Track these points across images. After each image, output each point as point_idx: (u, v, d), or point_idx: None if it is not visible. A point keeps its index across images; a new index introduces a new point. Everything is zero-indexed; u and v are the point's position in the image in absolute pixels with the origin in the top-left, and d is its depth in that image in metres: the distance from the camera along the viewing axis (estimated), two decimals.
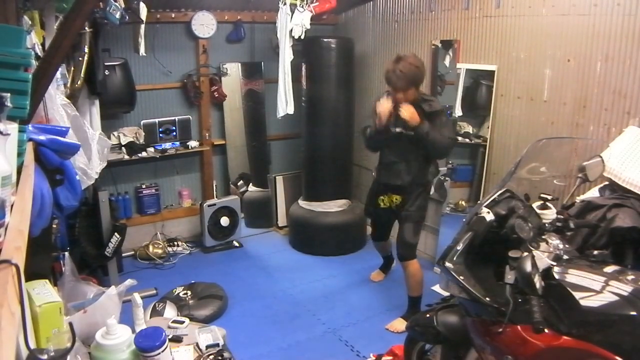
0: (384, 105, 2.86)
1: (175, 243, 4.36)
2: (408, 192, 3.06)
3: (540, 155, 2.04)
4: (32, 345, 0.90)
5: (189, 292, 3.36)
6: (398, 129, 2.92)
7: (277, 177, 4.80)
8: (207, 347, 1.64)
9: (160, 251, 4.19)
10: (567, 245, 1.75)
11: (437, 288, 3.34)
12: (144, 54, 3.82)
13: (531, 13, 3.08)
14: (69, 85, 2.57)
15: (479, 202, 2.05)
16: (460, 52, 3.63)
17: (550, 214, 1.82)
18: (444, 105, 2.98)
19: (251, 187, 4.75)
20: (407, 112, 2.82)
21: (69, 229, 3.00)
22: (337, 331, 3.15)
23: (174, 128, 4.26)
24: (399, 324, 3.05)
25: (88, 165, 2.09)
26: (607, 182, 2.38)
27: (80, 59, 2.71)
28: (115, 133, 4.01)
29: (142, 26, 3.65)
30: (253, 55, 4.61)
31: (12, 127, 0.86)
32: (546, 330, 1.46)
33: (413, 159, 2.99)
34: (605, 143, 2.53)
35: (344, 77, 4.14)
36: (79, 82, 2.72)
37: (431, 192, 3.28)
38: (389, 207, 3.17)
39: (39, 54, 1.80)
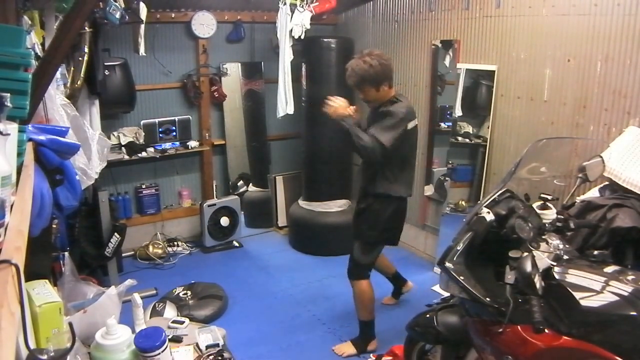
0: (332, 102, 2.68)
1: (175, 243, 4.36)
2: (363, 200, 2.82)
3: (540, 155, 2.04)
4: (32, 345, 0.90)
5: (189, 292, 3.36)
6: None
7: (277, 177, 4.80)
8: (207, 347, 1.64)
9: (160, 251, 4.19)
10: (567, 245, 1.75)
11: (437, 288, 3.34)
12: (144, 54, 3.82)
13: (531, 13, 3.08)
14: (68, 85, 2.57)
15: (479, 202, 2.05)
16: (460, 52, 3.63)
17: (550, 214, 1.82)
18: (403, 111, 2.54)
19: (251, 187, 4.75)
20: (332, 104, 2.64)
21: (69, 229, 2.99)
22: (337, 331, 3.14)
23: (174, 128, 4.26)
24: (346, 348, 2.90)
25: (88, 165, 2.09)
26: (607, 182, 2.38)
27: (80, 59, 2.71)
28: (115, 133, 4.01)
29: (142, 26, 3.64)
30: (253, 55, 4.61)
31: (12, 127, 0.86)
32: (546, 331, 1.46)
33: (364, 164, 2.76)
34: (605, 143, 2.53)
35: (344, 77, 4.12)
36: (78, 82, 2.72)
37: (386, 212, 2.75)
38: (355, 217, 2.95)
39: (39, 54, 1.80)
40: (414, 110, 2.73)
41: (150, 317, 2.85)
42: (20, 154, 1.01)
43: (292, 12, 3.84)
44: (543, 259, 1.61)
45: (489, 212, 1.71)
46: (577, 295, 1.47)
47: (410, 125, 2.62)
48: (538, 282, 1.44)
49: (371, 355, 2.84)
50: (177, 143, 4.27)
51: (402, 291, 3.45)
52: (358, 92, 2.69)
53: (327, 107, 2.68)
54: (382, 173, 2.69)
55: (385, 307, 3.39)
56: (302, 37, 3.89)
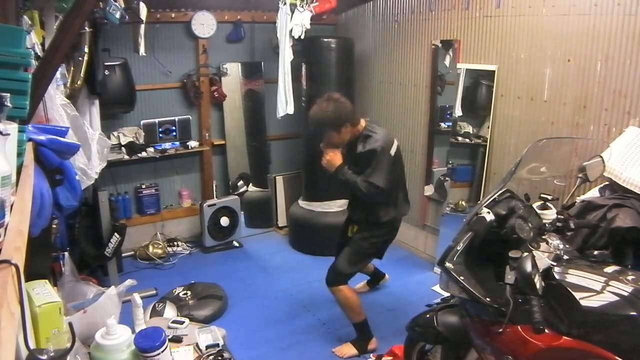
0: (326, 156, 2.78)
1: (175, 243, 4.35)
2: (362, 224, 2.89)
3: (540, 155, 2.04)
4: (32, 346, 0.90)
5: (189, 292, 3.36)
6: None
7: (277, 177, 4.80)
8: (207, 347, 1.64)
9: (160, 251, 4.19)
10: (567, 246, 1.75)
11: (437, 288, 3.34)
12: (144, 54, 3.82)
13: (531, 13, 3.08)
14: (68, 85, 2.57)
15: (479, 202, 2.06)
16: (460, 52, 3.63)
17: (550, 214, 1.82)
18: (381, 145, 2.58)
19: (251, 187, 4.74)
20: (326, 158, 2.75)
21: (69, 229, 3.00)
22: (337, 331, 3.14)
23: (173, 128, 4.26)
24: (347, 349, 2.91)
25: (88, 165, 2.09)
26: (607, 182, 2.38)
27: (80, 59, 2.71)
28: (115, 133, 4.01)
29: (142, 26, 3.64)
30: (253, 55, 4.61)
31: (12, 127, 0.86)
32: (546, 331, 1.46)
33: (361, 201, 2.80)
34: (605, 143, 2.53)
35: (344, 77, 4.14)
36: (78, 82, 2.72)
37: (378, 235, 2.84)
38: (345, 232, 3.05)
39: (39, 54, 1.80)
40: (391, 135, 2.76)
41: (150, 317, 2.85)
42: (20, 154, 1.01)
43: (292, 12, 3.84)
44: (543, 259, 1.61)
45: (489, 212, 1.71)
46: (577, 295, 1.47)
47: (393, 150, 2.68)
48: (538, 282, 1.44)
49: (371, 355, 2.84)
50: (177, 143, 4.27)
51: (378, 284, 3.60)
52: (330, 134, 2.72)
53: (323, 162, 2.78)
54: (377, 206, 2.75)
55: (385, 307, 3.38)
56: (302, 37, 3.89)
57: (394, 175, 2.70)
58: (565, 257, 1.68)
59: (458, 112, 3.78)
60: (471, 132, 3.82)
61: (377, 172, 2.58)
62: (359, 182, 2.61)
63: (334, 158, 2.73)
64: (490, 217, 1.70)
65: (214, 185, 4.62)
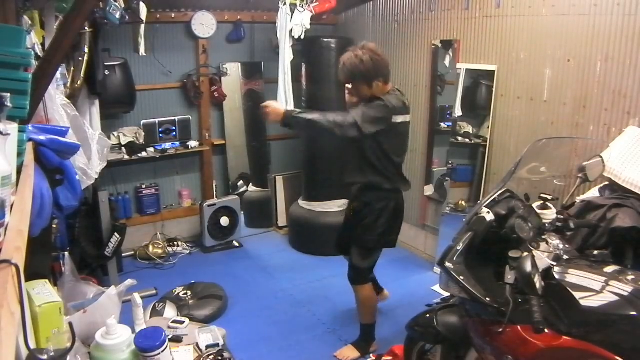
0: (267, 106, 2.64)
1: (175, 243, 4.36)
2: (356, 199, 2.74)
3: (540, 155, 2.04)
4: (32, 345, 0.90)
5: (189, 292, 3.36)
6: None
7: (277, 177, 4.80)
8: (207, 347, 1.64)
9: (160, 251, 4.19)
10: (567, 245, 1.75)
11: (437, 288, 3.34)
12: (144, 54, 3.82)
13: (531, 13, 3.08)
14: (69, 85, 2.57)
15: (479, 202, 2.05)
16: (460, 52, 3.63)
17: (550, 214, 1.82)
18: (392, 102, 2.41)
19: (251, 187, 4.75)
20: (267, 108, 2.56)
21: (69, 229, 3.00)
22: (337, 331, 3.14)
23: (174, 128, 4.26)
24: (349, 352, 2.86)
25: (88, 165, 2.09)
26: (607, 182, 2.38)
27: (80, 59, 2.71)
28: (115, 133, 4.01)
29: (142, 26, 3.65)
30: (253, 55, 4.61)
31: (12, 127, 0.86)
32: (546, 331, 1.46)
33: (349, 160, 2.65)
34: (605, 143, 2.53)
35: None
36: (79, 82, 2.72)
37: (383, 212, 2.64)
38: (350, 217, 2.84)
39: (39, 54, 1.80)
40: (406, 106, 2.61)
41: (150, 317, 2.85)
42: (20, 154, 1.01)
43: (292, 12, 3.84)
44: (543, 259, 1.61)
45: (489, 212, 1.71)
46: (577, 295, 1.47)
47: (398, 119, 2.50)
48: (538, 282, 1.44)
49: (371, 355, 2.84)
50: (177, 143, 4.27)
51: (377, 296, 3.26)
52: (351, 90, 2.58)
53: (265, 113, 2.60)
54: (369, 163, 2.56)
55: (385, 307, 3.38)
56: (302, 37, 3.89)
57: (389, 142, 2.52)
58: (565, 257, 1.68)
59: (458, 112, 3.78)
60: (471, 132, 3.82)
61: (366, 111, 2.39)
62: (320, 113, 2.41)
63: (275, 105, 2.57)
64: (490, 217, 1.70)
65: (214, 185, 4.62)
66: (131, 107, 3.96)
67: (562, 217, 1.83)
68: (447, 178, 3.90)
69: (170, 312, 3.07)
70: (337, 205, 4.22)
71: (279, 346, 3.00)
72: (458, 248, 1.68)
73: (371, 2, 4.40)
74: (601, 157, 2.10)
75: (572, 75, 2.90)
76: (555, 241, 1.72)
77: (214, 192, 4.61)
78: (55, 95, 1.89)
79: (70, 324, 1.14)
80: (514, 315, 1.51)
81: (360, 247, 2.74)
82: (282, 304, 3.49)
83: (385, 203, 2.65)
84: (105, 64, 3.40)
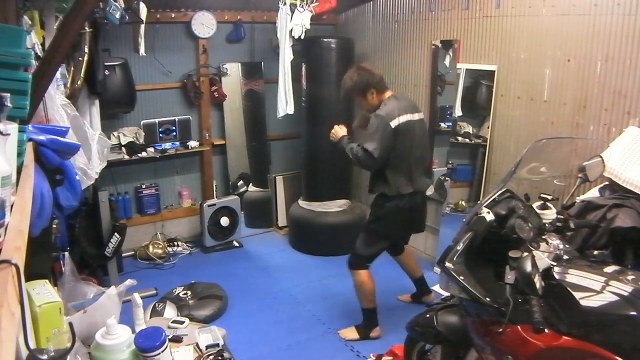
0: (334, 130, 3.00)
1: (175, 243, 4.36)
2: (373, 202, 3.01)
3: (540, 155, 2.04)
4: (32, 346, 0.90)
5: (189, 292, 3.36)
6: None
7: (277, 177, 4.80)
8: (207, 347, 1.64)
9: (160, 251, 4.19)
10: (567, 245, 1.75)
11: (437, 288, 3.34)
12: (144, 54, 3.82)
13: (531, 13, 3.08)
14: (69, 85, 2.57)
15: (479, 202, 2.05)
16: (460, 52, 3.63)
17: (550, 214, 1.82)
18: (382, 115, 2.69)
19: (251, 187, 4.75)
20: (332, 132, 2.97)
21: (69, 229, 3.00)
22: (337, 331, 3.14)
23: (174, 128, 4.26)
24: (350, 332, 3.05)
25: (88, 165, 2.09)
26: (607, 182, 2.38)
27: (80, 59, 2.72)
28: (115, 133, 4.01)
29: (142, 26, 3.65)
30: (253, 55, 4.61)
31: (12, 127, 0.86)
32: (546, 331, 1.46)
33: (374, 175, 2.95)
34: (605, 143, 2.53)
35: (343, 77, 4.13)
36: (79, 82, 2.72)
37: (391, 210, 2.86)
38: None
39: (39, 54, 1.80)
40: (403, 107, 2.77)
41: (150, 317, 2.85)
42: (20, 154, 1.01)
43: (292, 12, 3.84)
44: (543, 259, 1.61)
45: (489, 212, 1.70)
46: (577, 295, 1.47)
47: (396, 122, 2.71)
48: (538, 282, 1.44)
49: (371, 355, 2.84)
50: (177, 143, 4.27)
51: (422, 299, 3.40)
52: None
53: (331, 135, 2.99)
54: (381, 174, 2.84)
55: (385, 307, 3.38)
56: (302, 37, 3.89)
57: (397, 146, 2.73)
58: (565, 257, 1.68)
59: (458, 112, 3.78)
60: (471, 132, 3.82)
61: (370, 138, 2.71)
62: (353, 147, 2.79)
63: (337, 130, 2.95)
64: (490, 217, 1.69)
65: (214, 185, 4.63)
66: (131, 107, 3.96)
67: (562, 217, 1.83)
68: (447, 178, 3.90)
69: (170, 312, 3.07)
70: (337, 205, 4.22)
71: (279, 346, 3.00)
72: (458, 248, 1.68)
73: (371, 2, 4.40)
74: (601, 157, 2.10)
75: (572, 75, 2.90)
76: (555, 241, 1.72)
77: (214, 192, 4.61)
78: (55, 95, 1.89)
79: (70, 324, 1.14)
80: (514, 315, 1.51)
81: (364, 232, 2.99)
82: (282, 304, 3.49)
83: (391, 204, 2.86)
84: (105, 64, 3.40)
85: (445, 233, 3.75)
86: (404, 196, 2.83)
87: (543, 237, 1.72)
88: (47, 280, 1.31)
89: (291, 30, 3.86)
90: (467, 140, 3.83)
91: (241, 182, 4.64)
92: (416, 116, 2.83)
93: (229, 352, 1.64)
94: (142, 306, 1.66)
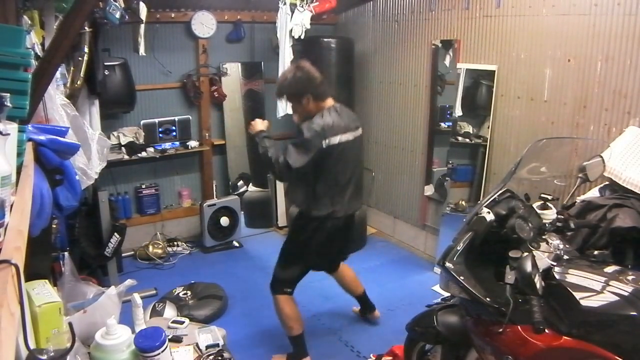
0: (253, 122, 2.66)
1: (175, 243, 4.36)
2: (293, 220, 2.73)
3: (540, 155, 2.04)
4: (32, 346, 0.90)
5: (189, 292, 3.36)
6: None
7: None
8: (207, 347, 1.64)
9: (160, 251, 4.19)
10: (567, 245, 1.75)
11: (437, 288, 3.34)
12: (144, 54, 3.82)
13: (531, 13, 3.08)
14: (68, 85, 2.57)
15: (479, 202, 2.05)
16: (460, 52, 3.63)
17: (550, 214, 1.82)
18: (316, 129, 2.38)
19: (251, 187, 4.75)
20: (252, 122, 2.63)
21: (69, 229, 3.00)
22: (337, 331, 3.14)
23: (173, 128, 4.26)
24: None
25: (88, 165, 2.09)
26: (607, 182, 2.38)
27: (80, 59, 2.71)
28: (115, 133, 4.01)
29: (142, 26, 3.65)
30: (253, 55, 4.61)
31: (12, 127, 0.86)
32: (546, 331, 1.46)
33: (292, 182, 2.68)
34: (605, 143, 2.53)
35: (344, 77, 4.14)
36: (78, 82, 2.72)
37: (315, 231, 2.58)
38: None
39: (39, 54, 1.80)
40: (343, 125, 2.49)
41: (150, 317, 2.85)
42: (20, 154, 1.01)
43: (292, 12, 3.84)
44: (543, 259, 1.61)
45: (489, 212, 1.70)
46: (577, 295, 1.47)
47: (331, 142, 2.41)
48: (538, 282, 1.44)
49: (371, 355, 2.84)
50: (177, 143, 4.27)
51: (366, 315, 3.24)
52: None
53: (249, 128, 2.65)
54: (304, 190, 2.56)
55: (385, 307, 3.38)
56: (302, 37, 3.89)
57: (326, 168, 2.46)
58: (565, 257, 1.68)
59: (458, 112, 3.78)
60: (471, 132, 3.82)
61: (295, 150, 2.38)
62: (270, 148, 2.44)
63: (257, 124, 2.59)
64: (490, 217, 1.69)
65: (214, 185, 4.62)
66: (131, 107, 3.96)
67: (562, 217, 1.83)
68: (447, 178, 3.90)
69: (170, 312, 3.07)
70: None
71: (279, 346, 2.99)
72: (458, 248, 1.68)
73: (371, 2, 4.40)
74: (601, 157, 2.10)
75: (572, 75, 2.90)
76: (555, 241, 1.72)
77: (214, 192, 4.61)
78: (55, 95, 1.89)
79: (70, 324, 1.14)
80: (514, 315, 1.51)
81: (282, 254, 2.75)
82: None
83: (310, 227, 2.60)
84: (105, 64, 3.40)
85: (445, 233, 3.75)
86: (327, 219, 2.55)
87: (543, 237, 1.72)
88: (46, 280, 1.31)
89: (291, 30, 3.86)
90: (467, 140, 3.83)
91: (241, 182, 4.64)
92: (355, 134, 2.55)
93: (229, 352, 1.64)
94: (142, 306, 1.66)
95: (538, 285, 1.44)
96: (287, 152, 2.41)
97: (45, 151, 1.28)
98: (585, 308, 1.47)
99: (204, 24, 4.16)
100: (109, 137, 3.74)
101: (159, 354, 1.36)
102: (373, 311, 3.23)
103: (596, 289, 1.52)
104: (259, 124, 2.60)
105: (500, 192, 1.84)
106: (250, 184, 4.75)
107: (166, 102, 4.27)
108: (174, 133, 4.26)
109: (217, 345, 1.65)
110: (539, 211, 1.82)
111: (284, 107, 4.07)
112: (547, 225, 1.77)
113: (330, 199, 2.54)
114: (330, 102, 2.54)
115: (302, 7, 3.82)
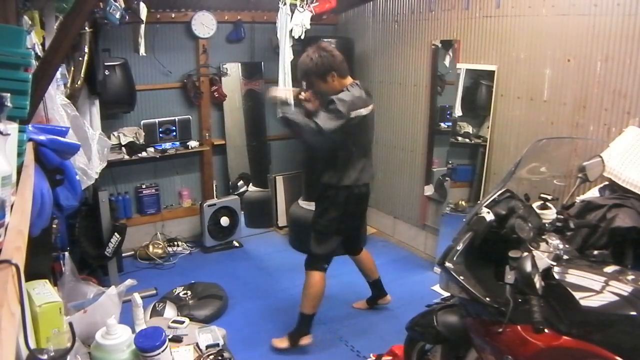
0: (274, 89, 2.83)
1: (175, 243, 4.36)
2: (319, 195, 2.88)
3: (540, 155, 2.04)
4: (32, 345, 0.90)
5: (189, 292, 3.36)
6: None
7: (277, 177, 4.80)
8: (207, 347, 1.64)
9: (160, 251, 4.19)
10: (567, 245, 1.75)
11: (437, 288, 3.34)
12: (144, 54, 3.82)
13: (531, 13, 3.08)
14: (69, 85, 2.57)
15: (478, 202, 2.05)
16: (460, 52, 3.63)
17: (550, 214, 1.82)
18: (347, 100, 2.53)
19: (251, 187, 4.75)
20: (272, 92, 2.76)
21: (69, 229, 3.00)
22: (337, 331, 3.14)
23: (174, 128, 4.26)
24: (281, 342, 2.92)
25: (88, 165, 2.09)
26: (607, 182, 2.38)
27: (80, 59, 2.72)
28: (115, 133, 4.01)
29: (142, 26, 3.64)
30: (253, 55, 4.61)
31: (12, 127, 0.86)
32: (546, 330, 1.46)
33: (321, 157, 2.82)
34: (605, 143, 2.53)
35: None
36: (79, 82, 2.72)
37: (339, 202, 2.76)
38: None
39: (39, 54, 1.80)
40: (364, 100, 2.67)
41: (150, 317, 2.85)
42: (20, 154, 1.01)
43: (292, 12, 3.84)
44: (543, 259, 1.61)
45: (489, 212, 1.70)
46: (577, 295, 1.47)
47: (356, 113, 2.59)
48: (538, 282, 1.44)
49: (371, 354, 2.84)
50: (177, 143, 4.27)
51: (377, 302, 3.37)
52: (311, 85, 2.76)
53: (270, 94, 2.76)
54: (330, 163, 2.75)
55: (385, 307, 3.38)
56: (302, 37, 3.89)
57: (349, 138, 2.64)
58: (565, 257, 1.68)
59: (458, 112, 3.78)
60: (471, 132, 3.82)
61: (327, 117, 2.52)
62: (301, 119, 2.56)
63: (279, 91, 2.74)
64: (490, 217, 1.69)
65: (214, 185, 4.62)
66: (131, 107, 3.96)
67: (562, 217, 1.83)
68: (447, 178, 3.90)
69: (170, 312, 3.07)
70: None
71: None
72: (458, 248, 1.68)
73: (371, 2, 4.40)
74: (601, 157, 2.10)
75: (572, 75, 2.90)
76: (555, 241, 1.72)
77: (214, 192, 4.61)
78: (55, 95, 1.89)
79: (70, 324, 1.14)
80: (514, 315, 1.51)
81: (313, 230, 2.88)
82: (282, 304, 3.49)
83: (338, 196, 2.76)
84: (105, 64, 3.40)
85: (445, 233, 3.75)
86: (354, 187, 2.76)
87: (543, 237, 1.72)
88: (47, 280, 1.31)
89: (291, 30, 3.86)
90: (467, 140, 3.83)
91: (241, 182, 4.64)
92: (371, 108, 2.73)
93: (229, 352, 1.64)
94: (142, 306, 1.66)
95: (538, 285, 1.44)
96: (318, 116, 2.54)
97: (45, 151, 1.28)
98: (585, 308, 1.47)
99: (204, 24, 4.16)
100: (109, 137, 3.74)
101: (159, 353, 1.36)
102: (385, 295, 3.35)
103: (596, 288, 1.52)
104: (285, 92, 2.73)
105: (500, 192, 1.84)
106: (251, 184, 4.75)
107: (166, 102, 4.27)
108: (174, 133, 4.26)
109: (217, 345, 1.65)
110: (538, 211, 1.82)
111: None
112: (546, 225, 1.77)
113: (356, 168, 2.74)
114: (350, 79, 2.74)
115: (302, 7, 3.82)
